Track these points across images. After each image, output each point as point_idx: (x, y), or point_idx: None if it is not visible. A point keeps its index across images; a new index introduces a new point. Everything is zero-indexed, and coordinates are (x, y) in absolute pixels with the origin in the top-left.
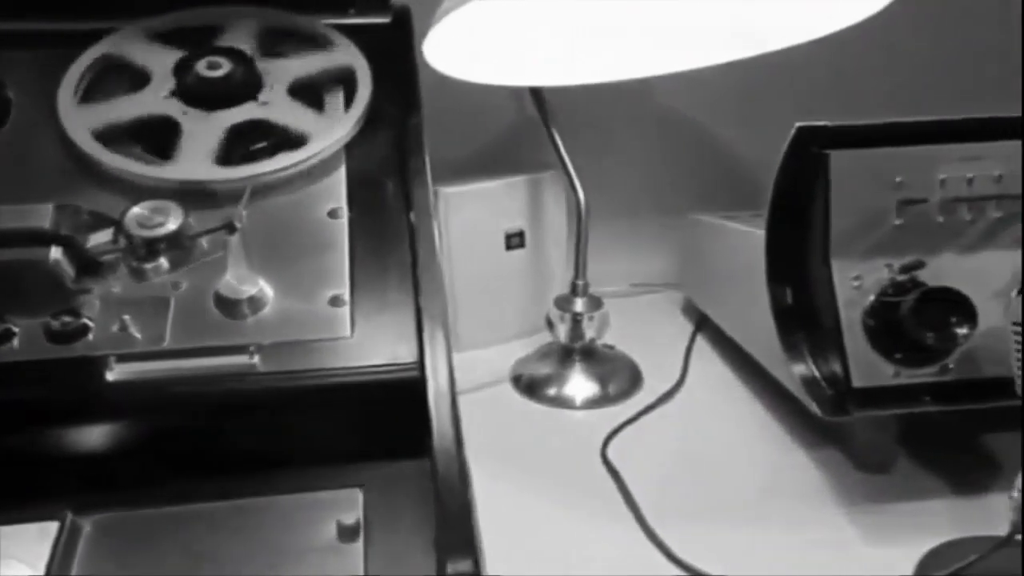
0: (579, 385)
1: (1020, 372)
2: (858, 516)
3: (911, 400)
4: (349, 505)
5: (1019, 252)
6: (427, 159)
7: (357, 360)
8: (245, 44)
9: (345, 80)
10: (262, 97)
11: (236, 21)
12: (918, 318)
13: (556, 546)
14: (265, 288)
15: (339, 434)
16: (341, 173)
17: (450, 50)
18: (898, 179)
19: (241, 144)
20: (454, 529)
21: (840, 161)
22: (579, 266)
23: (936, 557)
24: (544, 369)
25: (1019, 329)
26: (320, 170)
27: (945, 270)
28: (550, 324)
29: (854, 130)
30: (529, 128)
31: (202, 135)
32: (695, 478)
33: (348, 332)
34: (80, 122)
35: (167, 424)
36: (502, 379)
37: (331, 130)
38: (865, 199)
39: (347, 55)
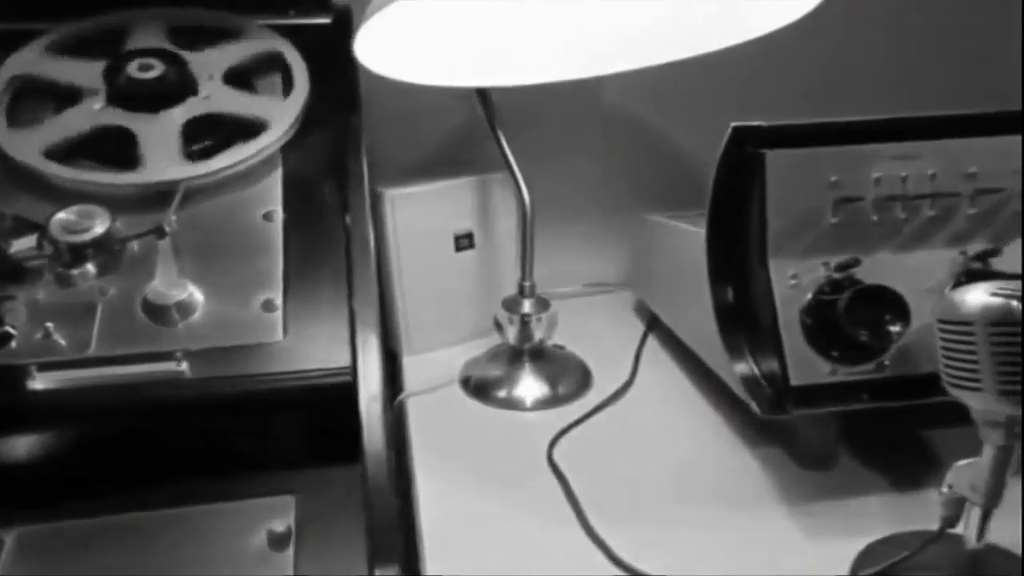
0: (529, 386)
1: (945, 369)
2: (800, 514)
3: (849, 397)
4: (280, 512)
5: (953, 251)
6: (364, 161)
7: (288, 365)
8: (160, 44)
9: (274, 63)
10: (202, 91)
11: (140, 24)
12: (852, 316)
13: (497, 547)
14: (195, 293)
15: (271, 440)
16: (277, 175)
17: (386, 49)
18: (833, 178)
19: (195, 139)
20: (382, 535)
21: (775, 161)
22: (526, 267)
23: (872, 553)
24: (493, 371)
25: (944, 326)
26: (256, 172)
27: (881, 268)
28: (498, 326)
29: (789, 130)
30: (480, 129)
31: (159, 137)
32: (640, 478)
33: (280, 337)
34: (24, 147)
35: (92, 433)
36: (452, 381)
37: (283, 110)
38: (801, 198)
39: (267, 39)
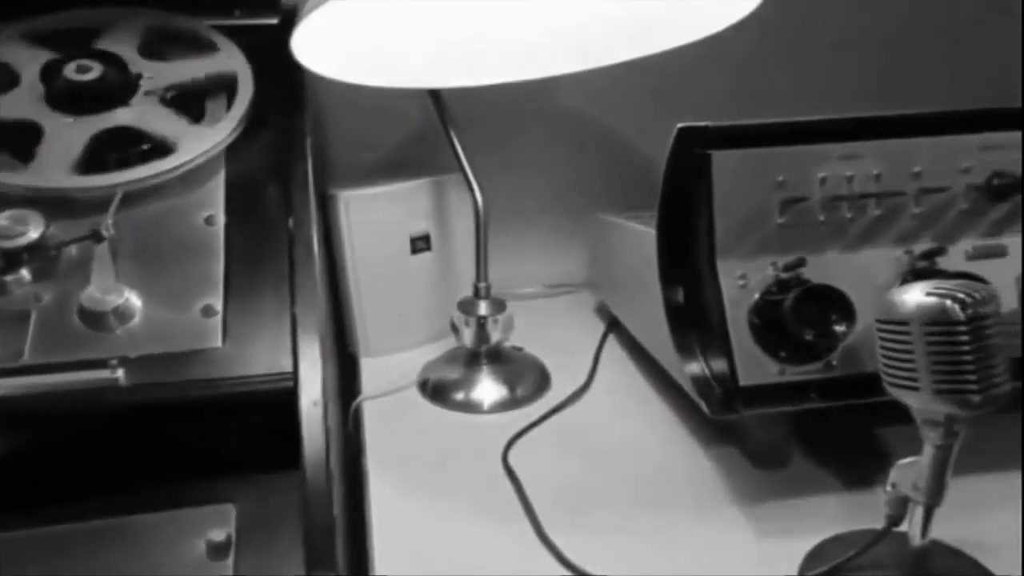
0: (487, 389)
1: (885, 368)
2: (752, 513)
3: (798, 397)
4: (220, 521)
5: (899, 250)
6: (310, 163)
7: (227, 371)
8: (127, 47)
9: (228, 86)
10: (134, 102)
11: (120, 23)
12: (798, 316)
13: (447, 550)
14: (132, 299)
15: (211, 448)
16: (220, 179)
17: (329, 49)
18: (780, 178)
19: (111, 150)
20: (320, 542)
21: (721, 161)
22: (480, 269)
23: (821, 552)
24: (451, 373)
25: (882, 326)
26: (197, 176)
27: (829, 267)
28: (455, 328)
29: (735, 130)
30: (437, 130)
31: (64, 141)
32: (595, 480)
33: (219, 342)
34: None
35: (24, 444)
36: (410, 384)
37: (201, 139)
38: (748, 198)
39: (230, 60)
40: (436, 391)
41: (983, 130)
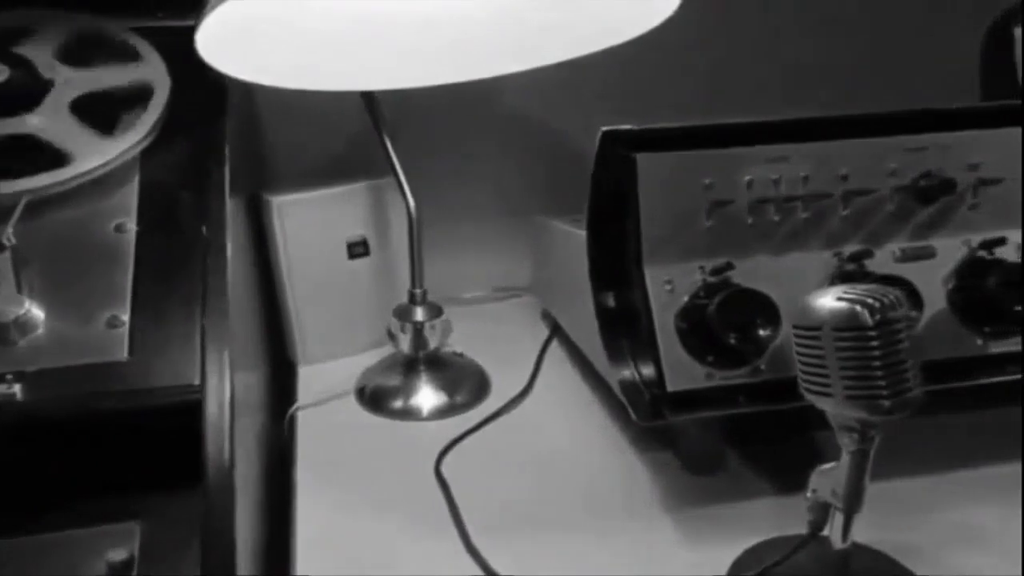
0: (425, 395)
1: (800, 374)
2: (683, 519)
3: (726, 402)
4: (123, 540)
5: (828, 252)
6: (227, 169)
7: (131, 384)
8: (45, 51)
9: (144, 92)
10: (41, 109)
11: (42, 27)
12: (722, 320)
13: (372, 562)
14: (34, 310)
15: (115, 464)
16: (134, 186)
17: (244, 49)
18: (706, 181)
19: (15, 157)
20: (216, 560)
21: (647, 164)
22: (415, 274)
23: (748, 558)
24: (389, 380)
25: (796, 331)
26: (109, 183)
27: (758, 271)
28: (391, 335)
29: (660, 133)
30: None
31: None
32: (529, 487)
33: (124, 355)
34: None
35: None
36: (347, 392)
37: (105, 147)
38: (675, 201)
39: (148, 66)
40: (373, 399)
41: (909, 131)
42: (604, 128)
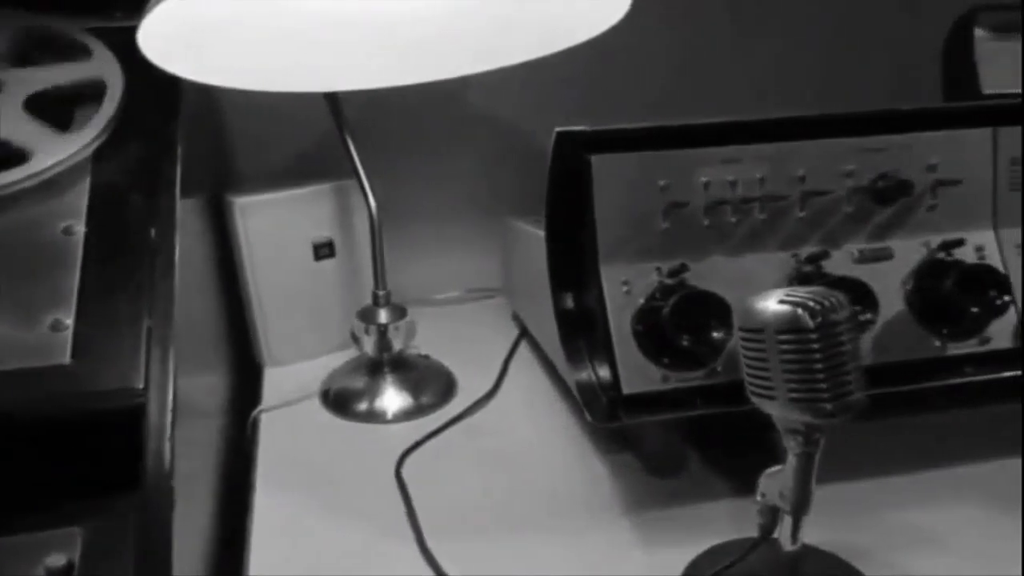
0: (390, 398)
1: (746, 376)
2: (641, 522)
3: (683, 404)
4: (63, 546)
5: (786, 254)
6: (178, 169)
7: (72, 388)
8: None
9: (98, 92)
10: None
11: None
12: (675, 322)
13: (326, 566)
14: None
15: (57, 469)
16: (84, 188)
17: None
18: (662, 182)
19: None
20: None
21: (602, 165)
22: (378, 276)
23: (702, 561)
24: (353, 383)
25: (741, 334)
26: (59, 185)
27: (715, 272)
28: (355, 338)
29: (615, 134)
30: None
31: None
32: (489, 489)
33: (67, 359)
34: None
35: None
36: (311, 395)
37: (58, 147)
38: (630, 203)
39: (103, 65)
40: (338, 401)
41: (867, 133)
42: (558, 129)
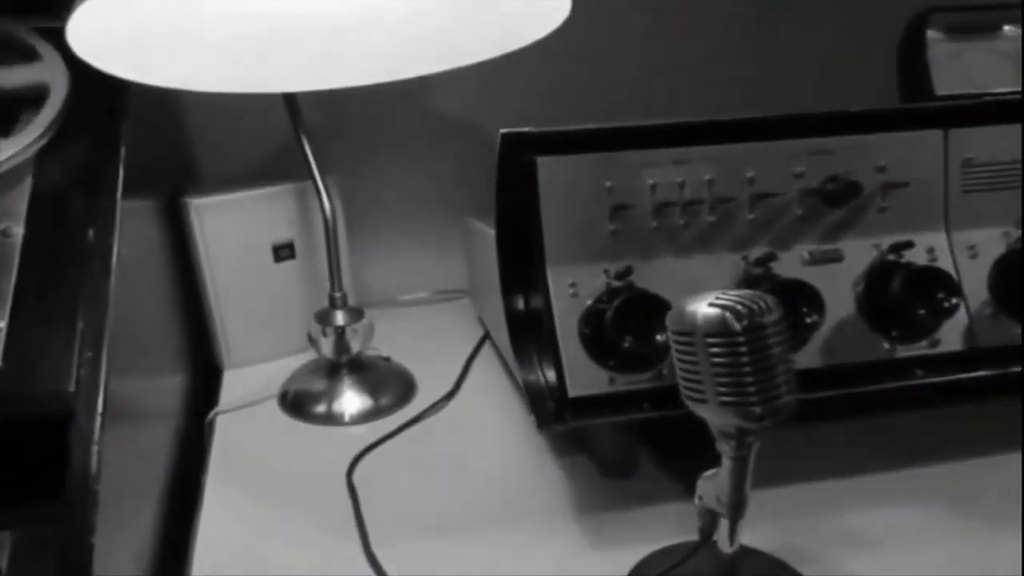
0: (349, 400)
1: (679, 380)
2: (591, 524)
3: (629, 407)
4: None
5: (736, 255)
6: (121, 170)
7: (2, 391)
8: None
9: (42, 94)
10: None
11: None
12: (619, 325)
13: (270, 567)
14: None
15: None
16: (25, 190)
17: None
18: (608, 184)
19: None
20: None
21: (547, 167)
22: (334, 278)
23: (645, 565)
24: (312, 385)
25: (673, 337)
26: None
27: (664, 274)
28: (312, 340)
29: (561, 135)
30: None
31: None
32: (442, 491)
33: None
34: None
35: None
36: (269, 397)
37: None
38: (577, 205)
39: (47, 67)
40: (295, 404)
41: (815, 134)
42: (503, 131)
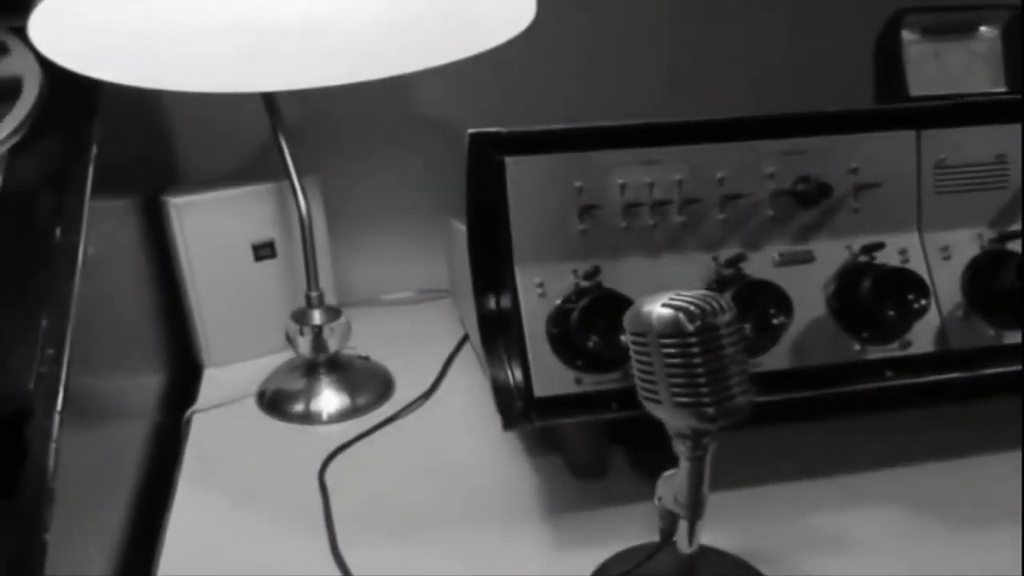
0: (326, 399)
1: (636, 381)
2: (560, 523)
3: (597, 407)
4: None
5: (707, 256)
6: (91, 168)
7: None
8: None
9: (13, 92)
10: None
11: None
12: (584, 325)
13: (237, 566)
14: None
15: None
16: None
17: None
18: (578, 184)
19: None
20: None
21: (516, 167)
22: (311, 278)
23: (612, 563)
24: (290, 384)
25: (630, 337)
26: None
27: (632, 275)
28: (289, 339)
29: (530, 135)
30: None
31: None
32: (413, 491)
33: None
34: None
35: None
36: (247, 395)
37: None
38: (546, 205)
39: (18, 64)
40: (273, 402)
41: (786, 135)
42: (471, 131)
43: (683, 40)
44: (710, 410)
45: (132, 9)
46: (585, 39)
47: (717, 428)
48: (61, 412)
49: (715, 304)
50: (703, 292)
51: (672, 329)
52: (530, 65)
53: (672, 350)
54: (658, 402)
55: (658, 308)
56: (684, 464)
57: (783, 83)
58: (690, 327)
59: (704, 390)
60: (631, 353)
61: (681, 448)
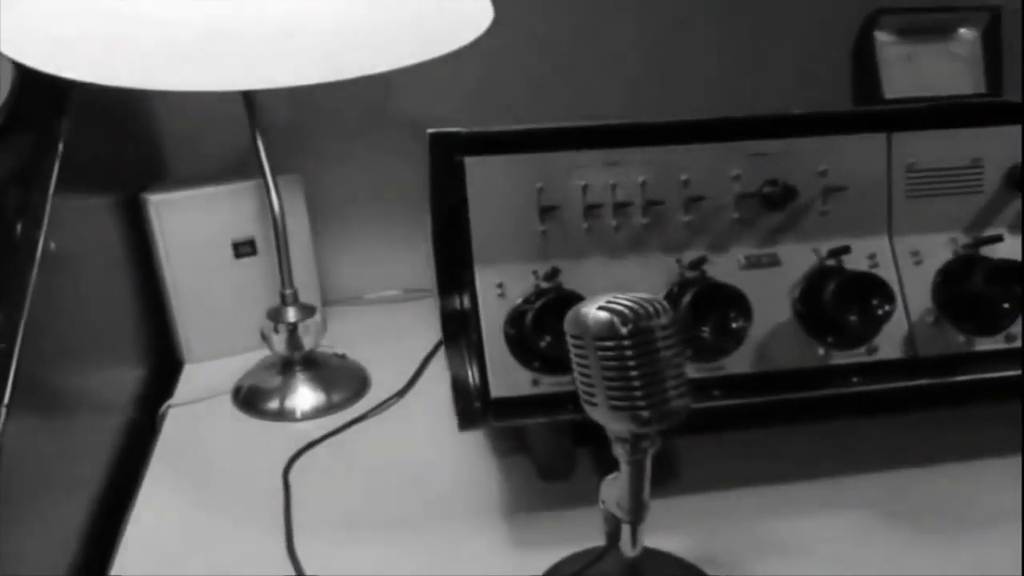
0: (301, 396)
1: (576, 383)
2: (521, 523)
3: (554, 408)
4: None
5: (671, 258)
6: (56, 166)
7: None
8: None
9: None
10: None
11: None
12: (539, 326)
13: (193, 563)
14: None
15: None
16: None
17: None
18: (538, 185)
19: None
20: None
21: (475, 167)
22: (284, 276)
23: (563, 566)
24: (265, 381)
25: (569, 340)
26: None
27: (594, 276)
28: (264, 336)
29: (490, 136)
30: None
31: None
32: (378, 490)
33: None
34: None
35: None
36: (223, 392)
37: None
38: (506, 205)
39: None
40: (248, 399)
41: (752, 137)
42: (430, 131)
43: (650, 39)
44: (645, 413)
45: (104, 7)
46: (585, 35)
47: (654, 431)
48: (8, 406)
49: (651, 307)
50: (641, 295)
51: (606, 332)
52: (517, 64)
53: (607, 353)
54: (595, 405)
55: (594, 311)
56: (624, 468)
57: (757, 85)
58: (623, 330)
59: (639, 393)
60: (571, 356)
61: (620, 451)
